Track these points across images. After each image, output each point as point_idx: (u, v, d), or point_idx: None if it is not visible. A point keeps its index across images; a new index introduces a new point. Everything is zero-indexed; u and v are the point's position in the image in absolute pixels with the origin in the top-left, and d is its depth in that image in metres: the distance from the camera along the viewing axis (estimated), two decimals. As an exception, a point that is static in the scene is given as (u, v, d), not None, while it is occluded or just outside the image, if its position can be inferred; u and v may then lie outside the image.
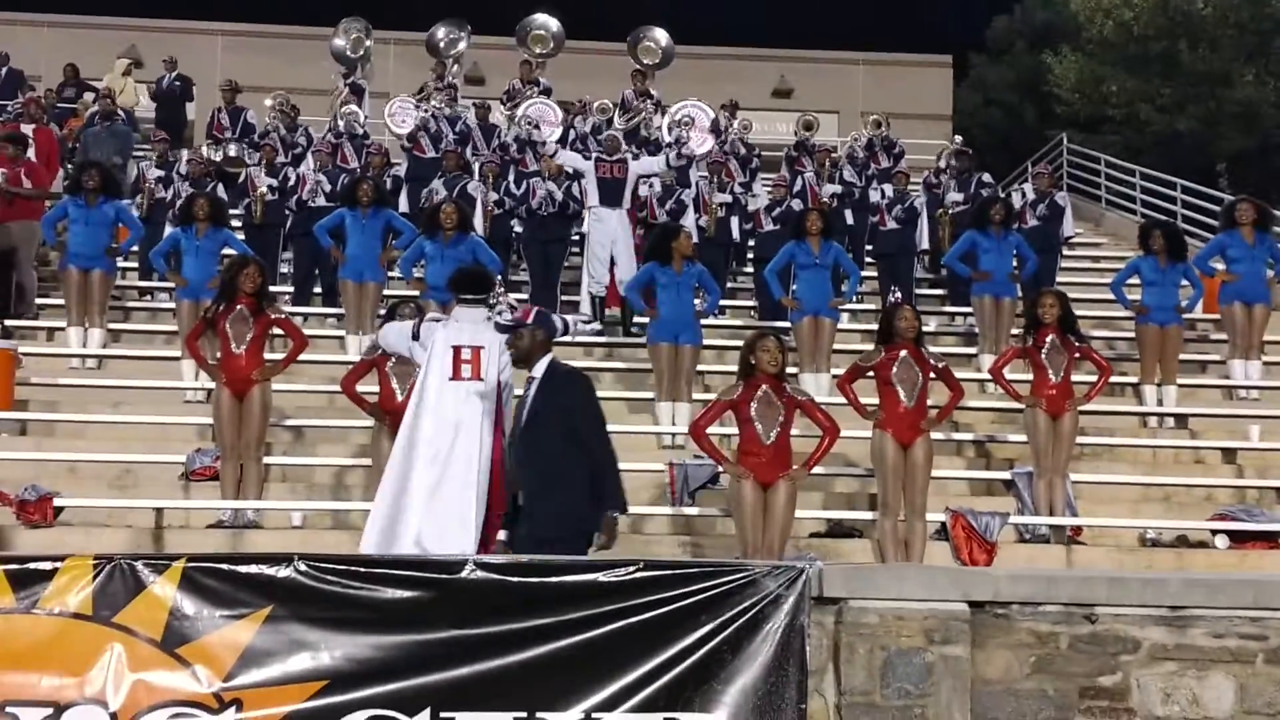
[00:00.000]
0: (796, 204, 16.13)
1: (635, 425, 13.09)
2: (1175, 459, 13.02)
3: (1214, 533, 11.18)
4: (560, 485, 7.48)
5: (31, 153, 15.80)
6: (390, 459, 8.39)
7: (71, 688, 6.07)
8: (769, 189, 16.71)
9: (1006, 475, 12.06)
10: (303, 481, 11.84)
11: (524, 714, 6.25)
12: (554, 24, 21.52)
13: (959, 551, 10.68)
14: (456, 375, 8.21)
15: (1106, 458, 12.87)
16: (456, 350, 8.24)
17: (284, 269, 16.62)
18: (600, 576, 6.39)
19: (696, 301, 13.12)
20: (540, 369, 7.73)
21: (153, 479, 11.63)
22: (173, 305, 15.21)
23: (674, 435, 12.59)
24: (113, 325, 14.87)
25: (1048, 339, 11.32)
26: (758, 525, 9.53)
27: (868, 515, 11.21)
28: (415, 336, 8.59)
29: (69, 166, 17.78)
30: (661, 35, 20.96)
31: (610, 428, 12.69)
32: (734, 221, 16.76)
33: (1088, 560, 10.78)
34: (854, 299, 15.06)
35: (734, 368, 14.43)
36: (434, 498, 7.99)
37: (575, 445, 7.57)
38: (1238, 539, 11.07)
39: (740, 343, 15.32)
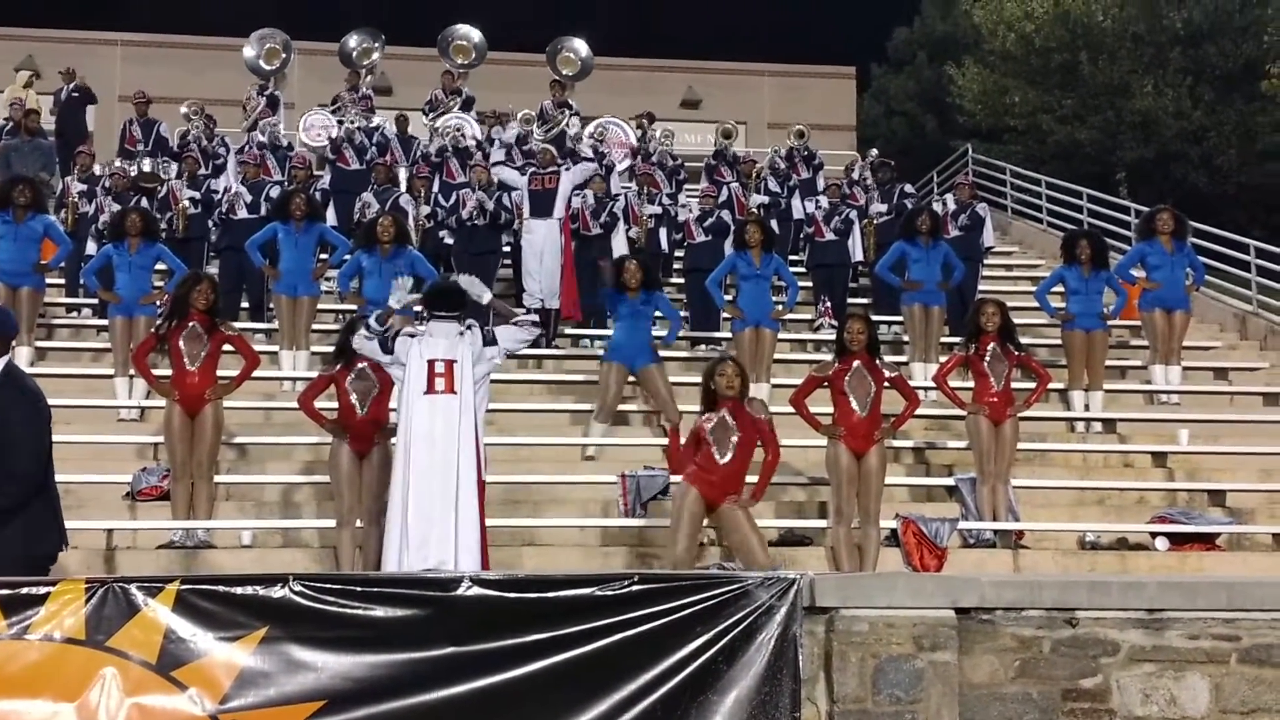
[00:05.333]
0: (725, 215, 16.25)
1: (578, 439, 13.12)
2: (1105, 463, 13.32)
3: (1154, 535, 11.46)
4: None
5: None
6: (393, 477, 8.37)
7: (66, 713, 5.95)
8: (698, 199, 16.78)
9: (945, 481, 12.28)
10: (250, 500, 11.71)
11: (523, 729, 6.26)
12: (476, 35, 21.52)
13: (910, 557, 10.86)
14: (431, 389, 8.23)
15: (1039, 463, 13.12)
16: (430, 364, 8.26)
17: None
18: (596, 591, 6.41)
19: (659, 330, 13.24)
20: None
21: (95, 499, 11.42)
22: (98, 322, 15.01)
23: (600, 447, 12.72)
24: (38, 343, 14.54)
25: (989, 347, 11.54)
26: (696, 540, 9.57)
27: (818, 523, 11.34)
28: (388, 351, 8.56)
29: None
30: (581, 46, 20.99)
31: (550, 440, 13.00)
32: (663, 232, 16.86)
33: (1033, 564, 11.02)
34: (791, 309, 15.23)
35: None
36: (419, 513, 7.98)
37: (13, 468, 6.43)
38: (1176, 540, 11.37)
39: (669, 354, 15.60)
